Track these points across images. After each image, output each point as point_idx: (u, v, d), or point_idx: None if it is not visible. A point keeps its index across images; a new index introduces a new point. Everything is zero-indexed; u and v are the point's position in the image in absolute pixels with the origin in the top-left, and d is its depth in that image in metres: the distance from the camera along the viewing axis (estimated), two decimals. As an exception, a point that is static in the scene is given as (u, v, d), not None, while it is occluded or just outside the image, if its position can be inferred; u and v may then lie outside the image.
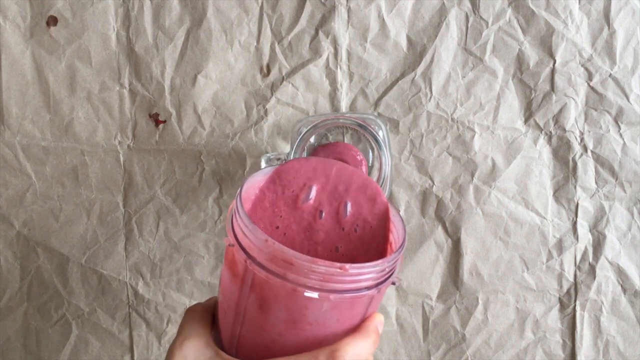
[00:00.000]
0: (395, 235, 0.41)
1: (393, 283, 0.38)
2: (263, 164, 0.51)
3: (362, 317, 0.39)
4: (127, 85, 0.55)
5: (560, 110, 0.53)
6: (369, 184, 0.42)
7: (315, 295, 0.35)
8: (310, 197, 0.42)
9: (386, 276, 0.37)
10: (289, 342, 0.37)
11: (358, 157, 0.51)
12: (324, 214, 0.42)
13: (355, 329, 0.38)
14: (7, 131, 0.56)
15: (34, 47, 0.55)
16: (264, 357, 0.38)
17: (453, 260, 0.55)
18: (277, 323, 0.37)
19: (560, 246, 0.55)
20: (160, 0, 0.54)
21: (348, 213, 0.42)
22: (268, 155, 0.51)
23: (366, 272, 0.36)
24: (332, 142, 0.53)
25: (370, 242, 0.41)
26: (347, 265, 0.35)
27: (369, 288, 0.36)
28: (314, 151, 0.52)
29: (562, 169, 0.54)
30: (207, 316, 0.42)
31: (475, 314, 0.56)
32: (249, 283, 0.37)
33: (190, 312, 0.42)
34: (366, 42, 0.53)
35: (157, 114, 0.55)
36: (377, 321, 0.39)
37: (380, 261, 0.36)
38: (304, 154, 0.51)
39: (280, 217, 0.41)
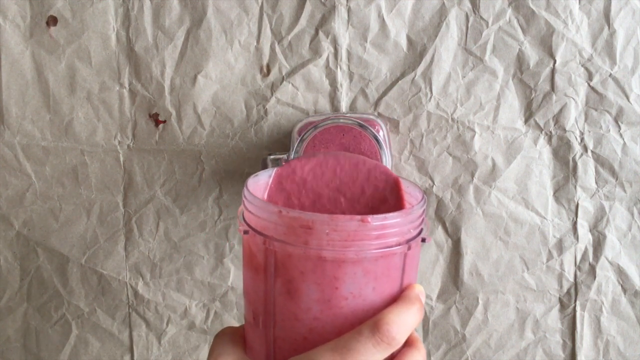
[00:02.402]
0: (415, 202, 0.40)
1: (423, 240, 0.37)
2: (263, 164, 0.51)
3: (399, 287, 0.37)
4: (127, 85, 0.55)
5: (560, 110, 0.53)
6: (375, 165, 0.42)
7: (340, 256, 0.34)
8: (318, 196, 0.42)
9: (414, 233, 0.36)
10: (327, 327, 0.35)
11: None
12: (336, 208, 0.41)
13: (395, 299, 0.36)
14: (7, 131, 0.56)
15: (34, 47, 0.55)
16: (304, 352, 0.35)
17: (453, 260, 0.55)
18: (310, 306, 0.35)
19: (560, 246, 0.55)
20: (160, 0, 0.54)
21: (362, 200, 0.41)
22: (269, 155, 0.51)
23: (390, 223, 0.34)
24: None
25: None
26: (369, 217, 0.34)
27: (397, 245, 0.35)
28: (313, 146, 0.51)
29: (562, 169, 0.54)
30: (237, 337, 0.40)
31: (475, 314, 0.56)
32: (272, 269, 0.36)
33: (219, 335, 0.40)
34: (366, 42, 0.53)
35: (157, 114, 0.55)
36: (418, 290, 0.37)
37: (402, 211, 0.35)
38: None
39: None
